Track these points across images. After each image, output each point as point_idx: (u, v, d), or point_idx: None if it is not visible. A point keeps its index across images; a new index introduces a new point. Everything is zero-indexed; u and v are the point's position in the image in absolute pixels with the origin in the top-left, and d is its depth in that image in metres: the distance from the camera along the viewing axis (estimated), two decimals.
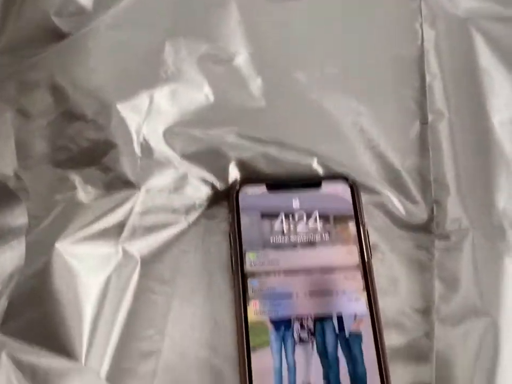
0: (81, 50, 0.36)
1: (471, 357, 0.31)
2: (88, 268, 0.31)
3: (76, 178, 0.34)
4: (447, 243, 0.35)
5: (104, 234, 0.32)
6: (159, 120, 0.35)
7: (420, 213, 0.36)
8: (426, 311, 0.34)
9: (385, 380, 0.31)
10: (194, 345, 0.33)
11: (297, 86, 0.38)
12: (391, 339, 0.33)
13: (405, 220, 0.36)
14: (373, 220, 0.36)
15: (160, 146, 0.35)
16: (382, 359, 0.31)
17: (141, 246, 0.33)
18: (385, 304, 0.34)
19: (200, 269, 0.35)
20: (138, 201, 0.33)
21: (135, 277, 0.33)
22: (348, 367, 0.31)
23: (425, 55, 0.40)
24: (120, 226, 0.33)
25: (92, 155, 0.34)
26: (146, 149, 0.34)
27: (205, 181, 0.35)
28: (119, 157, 0.34)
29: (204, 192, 0.35)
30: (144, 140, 0.35)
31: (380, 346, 0.32)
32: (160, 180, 0.34)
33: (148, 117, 0.35)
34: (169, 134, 0.35)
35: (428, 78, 0.39)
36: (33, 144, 0.35)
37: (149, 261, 0.33)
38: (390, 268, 0.35)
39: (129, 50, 0.36)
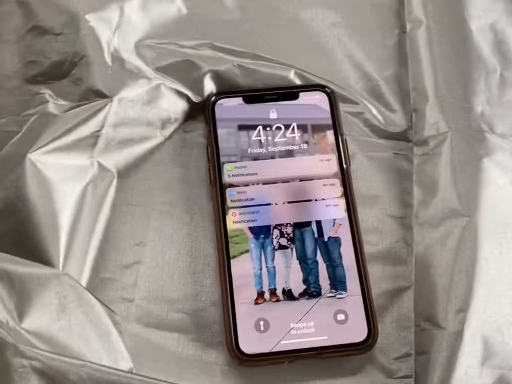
0: None
1: (450, 256, 0.32)
2: (63, 178, 0.31)
3: (47, 92, 0.33)
4: (425, 148, 0.35)
5: (77, 145, 0.32)
6: (130, 32, 0.35)
7: (399, 122, 0.36)
8: (404, 216, 0.34)
9: (364, 281, 0.31)
10: (174, 255, 0.33)
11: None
12: (370, 244, 0.33)
13: (383, 128, 0.36)
14: (352, 130, 0.36)
15: (132, 58, 0.34)
16: (360, 262, 0.32)
17: (116, 160, 0.33)
18: (364, 211, 0.34)
19: (178, 182, 0.34)
20: (110, 111, 0.32)
21: (112, 190, 0.32)
22: (327, 270, 0.32)
23: None
24: (94, 137, 0.32)
25: (62, 68, 0.34)
26: (118, 59, 0.34)
27: (180, 93, 0.35)
28: (89, 67, 0.33)
29: (179, 105, 0.35)
30: (115, 50, 0.34)
31: (358, 249, 0.32)
32: (133, 90, 0.33)
33: (118, 29, 0.34)
34: (141, 46, 0.35)
35: None
36: (3, 62, 0.35)
37: (125, 175, 0.33)
38: (369, 175, 0.35)
39: None
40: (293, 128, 0.35)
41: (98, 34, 0.33)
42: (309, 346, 0.30)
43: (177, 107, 0.35)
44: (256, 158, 0.34)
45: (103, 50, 0.34)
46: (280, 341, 0.30)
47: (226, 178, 0.33)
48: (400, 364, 0.31)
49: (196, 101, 0.35)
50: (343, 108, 0.36)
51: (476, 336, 0.30)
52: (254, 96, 0.35)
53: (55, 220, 0.30)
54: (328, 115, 0.35)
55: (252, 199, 0.33)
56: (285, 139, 0.34)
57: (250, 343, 0.30)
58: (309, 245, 0.32)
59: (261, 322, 0.30)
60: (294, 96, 0.35)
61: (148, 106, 0.34)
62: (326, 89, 0.36)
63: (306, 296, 0.31)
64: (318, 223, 0.33)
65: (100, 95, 0.33)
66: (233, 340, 0.30)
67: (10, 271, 0.27)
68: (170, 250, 0.33)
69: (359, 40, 0.37)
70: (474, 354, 0.29)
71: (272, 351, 0.30)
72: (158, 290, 0.32)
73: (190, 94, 0.35)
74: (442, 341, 0.30)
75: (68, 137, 0.31)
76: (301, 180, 0.34)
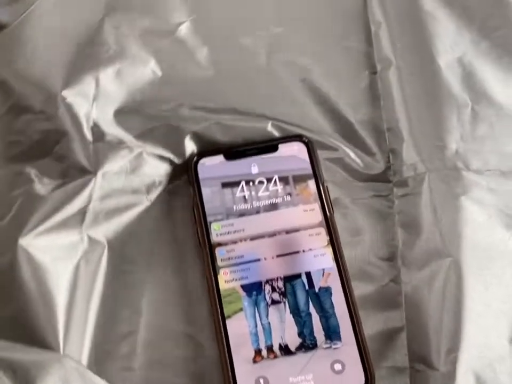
0: (19, 40, 0.36)
1: (438, 297, 0.33)
2: (55, 258, 0.31)
3: (31, 171, 0.34)
4: (405, 189, 0.36)
5: (66, 224, 0.32)
6: (107, 102, 0.35)
7: (377, 163, 0.37)
8: (391, 258, 0.35)
9: (357, 329, 0.32)
10: (170, 319, 0.34)
11: (244, 51, 0.38)
12: (360, 289, 0.34)
13: (363, 172, 0.37)
14: (332, 176, 0.37)
15: (111, 129, 0.35)
16: (352, 310, 0.33)
17: (105, 230, 0.33)
18: (351, 256, 0.35)
19: (168, 245, 0.35)
20: (96, 187, 0.33)
21: (104, 261, 0.33)
22: (320, 321, 0.33)
23: (368, 4, 0.40)
24: (81, 213, 0.33)
25: (44, 146, 0.34)
26: (98, 133, 0.34)
27: (162, 158, 0.35)
28: (70, 144, 0.34)
29: (162, 168, 0.36)
30: (95, 124, 0.35)
31: (349, 297, 0.33)
32: (116, 163, 0.34)
33: (95, 101, 0.35)
34: (119, 115, 0.35)
35: (372, 27, 0.39)
36: None
37: (116, 244, 0.34)
38: (353, 220, 0.36)
39: (68, 34, 0.36)
40: (275, 181, 0.36)
41: (76, 109, 0.34)
42: None
43: (160, 171, 0.36)
44: (242, 214, 0.35)
45: (82, 126, 0.34)
46: None
47: (215, 238, 0.34)
48: None
49: (178, 163, 0.36)
50: (322, 154, 0.37)
51: (468, 374, 0.31)
52: (234, 152, 0.36)
53: (51, 303, 0.30)
54: (308, 165, 0.36)
55: (242, 256, 0.34)
56: (268, 193, 0.35)
57: None
58: (301, 297, 0.33)
59: (261, 380, 0.31)
60: (273, 148, 0.36)
61: (132, 175, 0.34)
62: (304, 139, 0.37)
63: (303, 350, 0.32)
64: (308, 274, 0.34)
65: (84, 171, 0.33)
66: None
67: (12, 360, 0.28)
68: (166, 315, 0.33)
69: (332, 85, 0.38)
70: None
71: None
72: (157, 357, 0.33)
73: (171, 156, 0.36)
74: (436, 383, 0.31)
75: (56, 217, 0.32)
76: (287, 232, 0.34)
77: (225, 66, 0.38)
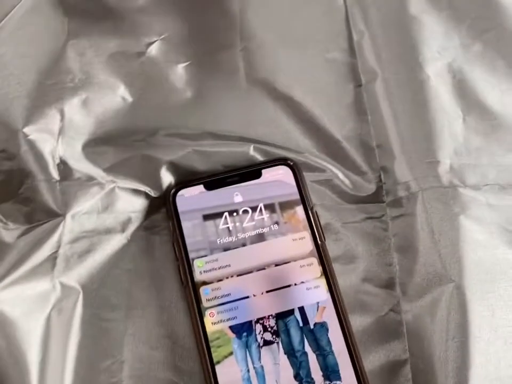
0: None
1: (442, 325, 0.30)
2: (25, 311, 0.29)
3: None
4: (399, 210, 0.34)
5: (35, 272, 0.29)
6: (74, 135, 0.33)
7: (368, 184, 0.35)
8: (389, 286, 0.33)
9: (357, 366, 0.30)
10: (155, 366, 0.31)
11: (221, 69, 0.35)
12: (358, 321, 0.32)
13: (353, 193, 0.35)
14: (321, 199, 0.35)
15: (80, 165, 0.32)
16: (351, 345, 0.30)
17: (79, 275, 0.31)
18: (346, 285, 0.33)
19: (148, 285, 0.32)
20: (65, 230, 0.30)
21: (79, 308, 0.30)
22: (317, 360, 0.30)
23: (349, 13, 0.37)
24: (51, 259, 0.30)
25: (7, 188, 0.32)
26: (65, 170, 0.32)
27: (137, 191, 0.33)
28: (36, 185, 0.31)
29: (138, 203, 0.33)
30: (61, 161, 0.32)
31: (347, 331, 0.31)
32: (86, 202, 0.31)
33: (61, 135, 0.32)
34: (88, 148, 0.33)
35: (355, 37, 0.37)
36: None
37: (92, 289, 0.31)
38: (345, 246, 0.34)
39: (28, 64, 0.33)
40: (260, 209, 0.33)
41: (40, 147, 0.31)
42: None
43: (135, 206, 0.33)
44: (226, 248, 0.32)
45: (48, 164, 0.31)
46: None
47: (198, 276, 0.32)
48: None
49: (155, 196, 0.33)
50: (309, 177, 0.35)
51: None
52: (215, 181, 0.34)
53: (23, 362, 0.28)
54: (295, 189, 0.34)
55: (229, 295, 0.31)
56: (253, 223, 0.33)
57: None
58: (295, 335, 0.31)
59: None
60: (257, 174, 0.34)
61: (105, 213, 0.32)
62: (289, 162, 0.34)
63: None
64: (301, 309, 0.31)
65: (51, 214, 0.31)
66: None
67: None
68: (150, 363, 0.31)
69: (316, 101, 0.36)
70: None
71: None
72: None
73: (147, 189, 0.33)
74: None
75: (24, 266, 0.29)
76: (276, 265, 0.32)
77: (201, 86, 0.35)
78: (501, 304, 0.31)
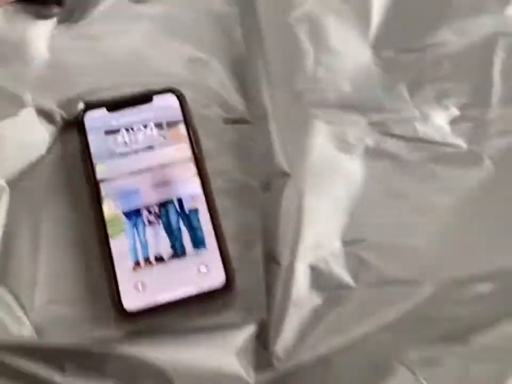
0: None
1: (285, 208, 0.40)
2: None
3: None
4: (259, 123, 0.43)
5: None
6: None
7: (240, 107, 0.44)
8: (246, 182, 0.42)
9: (219, 239, 0.39)
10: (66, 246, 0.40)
11: None
12: (225, 210, 0.41)
13: (227, 116, 0.44)
14: (201, 123, 0.44)
15: None
16: (216, 224, 0.40)
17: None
18: (217, 183, 0.42)
19: (65, 184, 0.42)
20: None
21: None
22: (189, 235, 0.40)
23: None
24: None
25: None
26: None
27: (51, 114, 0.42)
28: None
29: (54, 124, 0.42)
30: None
31: (213, 215, 0.40)
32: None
33: None
34: None
35: None
36: None
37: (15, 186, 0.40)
38: (218, 156, 0.43)
39: None
40: (151, 126, 0.43)
41: None
42: (181, 297, 0.38)
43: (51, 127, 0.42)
44: (123, 155, 0.42)
45: None
46: (156, 297, 0.38)
47: (100, 175, 0.41)
48: (256, 301, 0.39)
49: (69, 118, 0.43)
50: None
51: (305, 267, 0.38)
52: (115, 104, 0.43)
53: None
54: (179, 112, 0.43)
55: (123, 189, 0.41)
56: (145, 137, 0.42)
57: (131, 301, 0.38)
58: (173, 218, 0.40)
59: (139, 284, 0.38)
60: (149, 99, 0.43)
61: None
62: (176, 92, 0.44)
63: (175, 258, 0.39)
64: (179, 199, 0.41)
65: None
66: (118, 300, 0.37)
67: None
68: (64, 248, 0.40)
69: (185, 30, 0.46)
70: (304, 281, 0.38)
71: (150, 306, 0.38)
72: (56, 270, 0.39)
73: (61, 112, 0.42)
74: (281, 275, 0.38)
75: None
76: (161, 167, 0.41)
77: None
78: (328, 194, 0.40)
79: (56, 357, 0.34)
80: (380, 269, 0.38)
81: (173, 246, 0.39)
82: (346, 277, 0.38)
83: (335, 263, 0.39)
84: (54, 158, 0.42)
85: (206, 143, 0.43)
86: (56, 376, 0.34)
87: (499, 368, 0.35)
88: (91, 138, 0.42)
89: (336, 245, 0.39)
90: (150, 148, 0.42)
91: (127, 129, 0.42)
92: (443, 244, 0.39)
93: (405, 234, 0.40)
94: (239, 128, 0.44)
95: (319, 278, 0.38)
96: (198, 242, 0.39)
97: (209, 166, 0.42)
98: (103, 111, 0.43)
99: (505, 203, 0.40)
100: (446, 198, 0.41)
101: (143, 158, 0.42)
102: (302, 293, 0.37)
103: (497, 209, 0.40)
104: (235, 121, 0.44)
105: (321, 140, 0.42)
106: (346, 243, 0.39)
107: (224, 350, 0.36)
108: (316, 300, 0.37)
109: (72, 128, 0.43)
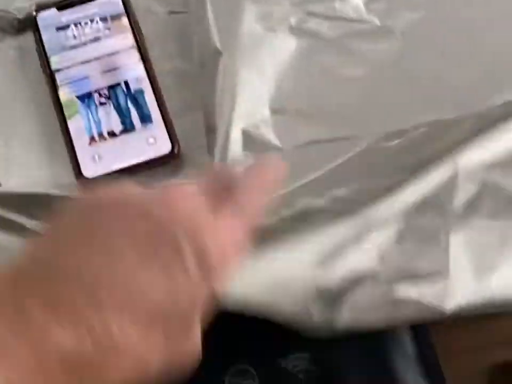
0: None
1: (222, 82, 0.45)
2: None
3: None
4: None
5: None
6: None
7: None
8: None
9: (164, 114, 0.45)
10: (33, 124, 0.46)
11: None
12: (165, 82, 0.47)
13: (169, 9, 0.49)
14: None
15: None
16: (160, 102, 0.45)
17: None
18: (165, 69, 0.47)
19: (25, 76, 0.47)
20: None
21: None
22: (137, 112, 0.45)
23: None
24: None
25: None
26: None
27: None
28: None
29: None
30: None
31: (157, 93, 0.46)
32: None
33: None
34: None
35: None
36: None
37: None
38: (159, 43, 0.48)
39: None
40: (97, 21, 0.48)
41: None
42: (133, 164, 0.44)
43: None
44: (73, 47, 0.47)
45: None
46: (111, 166, 0.44)
47: (54, 65, 0.46)
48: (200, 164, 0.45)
49: (22, 17, 0.47)
50: None
51: (238, 130, 0.44)
52: (64, 4, 0.48)
53: None
54: (122, 7, 0.48)
55: (75, 76, 0.46)
56: (92, 30, 0.47)
57: (90, 171, 0.44)
58: (121, 98, 0.46)
59: (96, 156, 0.44)
60: None
61: None
62: None
63: (125, 133, 0.45)
64: (126, 82, 0.46)
65: None
66: (78, 171, 0.44)
67: None
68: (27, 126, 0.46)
69: None
70: (238, 145, 0.44)
71: (106, 173, 0.44)
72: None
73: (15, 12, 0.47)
74: (219, 140, 0.44)
75: None
76: (108, 55, 0.47)
77: None
78: (259, 68, 0.46)
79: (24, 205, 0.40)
80: (305, 132, 0.44)
81: (123, 122, 0.45)
82: (275, 140, 0.44)
83: (265, 128, 0.44)
84: (12, 55, 0.47)
85: (150, 33, 0.48)
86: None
87: None
88: (44, 34, 0.47)
89: (266, 112, 0.45)
90: (97, 39, 0.47)
91: (75, 25, 0.47)
92: (363, 107, 0.45)
93: (328, 103, 0.45)
94: (180, 18, 0.49)
95: (250, 141, 0.44)
96: (145, 118, 0.45)
97: (153, 53, 0.47)
98: (53, 11, 0.48)
99: (413, 70, 0.46)
100: (361, 69, 0.46)
101: (91, 49, 0.47)
102: (236, 155, 0.43)
103: (406, 77, 0.46)
104: (175, 12, 0.49)
105: (249, 19, 0.46)
106: (274, 110, 0.45)
107: None
108: (249, 161, 0.43)
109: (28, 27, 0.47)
